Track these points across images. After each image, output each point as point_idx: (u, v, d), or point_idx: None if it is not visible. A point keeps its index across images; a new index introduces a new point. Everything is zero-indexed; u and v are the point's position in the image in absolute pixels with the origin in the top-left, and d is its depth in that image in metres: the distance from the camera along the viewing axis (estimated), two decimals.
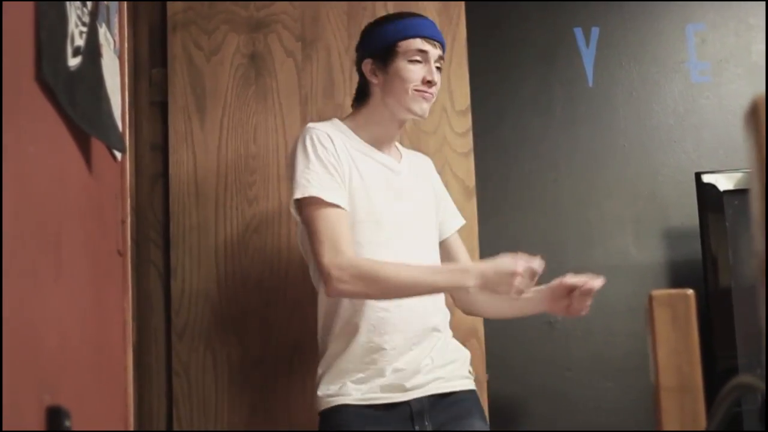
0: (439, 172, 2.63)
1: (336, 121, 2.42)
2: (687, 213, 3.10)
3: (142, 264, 2.76)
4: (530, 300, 2.40)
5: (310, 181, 2.25)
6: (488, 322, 2.79)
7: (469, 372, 2.41)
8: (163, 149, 2.81)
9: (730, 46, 3.31)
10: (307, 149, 2.28)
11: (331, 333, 2.31)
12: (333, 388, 2.27)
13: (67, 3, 1.55)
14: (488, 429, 2.40)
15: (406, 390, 2.28)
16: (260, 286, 2.74)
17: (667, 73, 3.29)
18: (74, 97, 1.56)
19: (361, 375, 2.27)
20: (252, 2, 2.86)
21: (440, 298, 2.40)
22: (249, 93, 2.82)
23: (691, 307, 1.24)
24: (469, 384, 2.40)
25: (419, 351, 2.31)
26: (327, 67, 2.85)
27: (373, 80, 2.37)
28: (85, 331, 1.71)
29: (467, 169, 2.83)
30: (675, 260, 3.16)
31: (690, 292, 1.25)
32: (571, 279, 2.34)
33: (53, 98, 1.47)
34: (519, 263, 2.17)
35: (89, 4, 1.72)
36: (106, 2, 1.95)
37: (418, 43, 2.34)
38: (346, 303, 2.28)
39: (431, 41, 2.35)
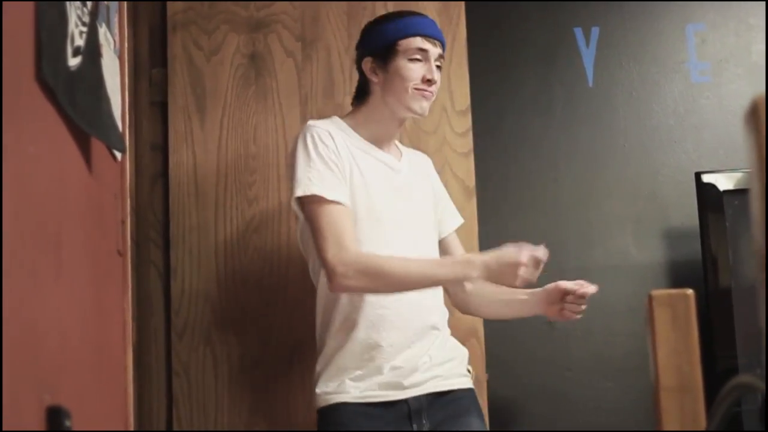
0: (439, 172, 2.63)
1: (336, 119, 2.42)
2: (687, 213, 3.10)
3: (142, 264, 2.76)
4: (525, 302, 2.42)
5: (312, 179, 2.25)
6: (488, 322, 2.79)
7: (468, 371, 2.41)
8: (163, 149, 2.81)
9: (730, 46, 3.31)
10: (308, 146, 2.28)
11: (329, 330, 2.30)
12: (331, 386, 2.27)
13: (67, 3, 1.55)
14: (486, 427, 2.41)
15: (404, 388, 2.28)
16: (260, 286, 2.74)
17: (667, 73, 3.29)
18: (74, 97, 1.56)
19: (359, 372, 2.27)
20: (252, 2, 2.86)
21: (439, 296, 2.40)
22: (249, 93, 2.82)
23: (691, 307, 1.24)
24: (467, 382, 2.40)
25: (417, 349, 2.31)
26: (327, 67, 2.85)
27: (373, 79, 2.38)
28: (85, 331, 1.71)
29: (467, 169, 2.83)
30: (675, 260, 3.16)
31: (690, 292, 1.25)
32: (565, 284, 2.34)
33: (53, 98, 1.47)
34: (522, 253, 2.16)
35: (89, 3, 1.72)
36: (106, 2, 1.95)
37: (418, 42, 2.34)
38: (344, 300, 2.29)
39: (431, 40, 2.36)
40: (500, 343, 3.00)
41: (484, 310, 2.53)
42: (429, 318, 2.35)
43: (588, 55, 3.28)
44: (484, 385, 2.74)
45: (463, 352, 2.42)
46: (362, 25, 2.51)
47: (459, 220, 2.58)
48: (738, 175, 2.94)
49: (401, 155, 2.47)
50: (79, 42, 1.62)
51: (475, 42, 3.00)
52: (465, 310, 2.55)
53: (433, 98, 2.38)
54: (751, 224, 0.94)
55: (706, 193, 2.95)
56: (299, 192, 2.25)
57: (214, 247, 2.75)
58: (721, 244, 2.92)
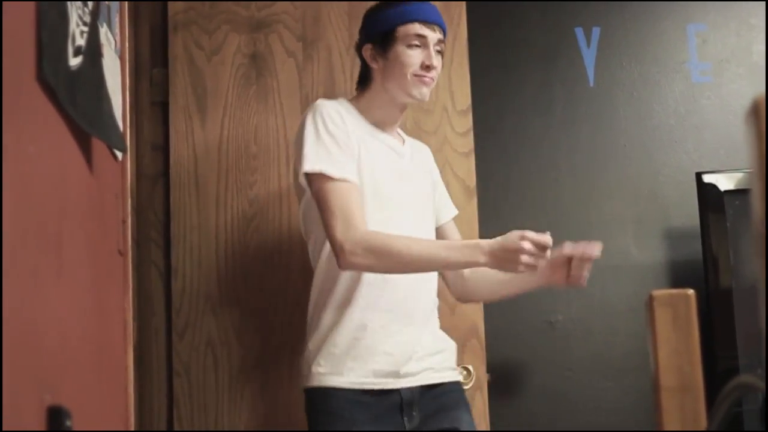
0: (440, 172, 2.64)
1: (343, 101, 2.43)
2: (688, 213, 3.10)
3: (142, 264, 2.76)
4: (521, 278, 2.40)
5: (320, 155, 2.25)
6: (488, 322, 2.79)
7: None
8: (163, 149, 2.81)
9: (731, 46, 3.31)
10: (317, 123, 2.28)
11: (325, 308, 2.30)
12: (326, 366, 2.27)
13: (68, 3, 1.55)
14: (473, 421, 2.42)
15: (399, 376, 2.28)
16: (260, 286, 2.74)
17: (668, 73, 3.29)
18: (75, 96, 1.56)
19: (353, 353, 2.26)
20: (253, 2, 2.86)
21: (434, 284, 2.41)
22: (250, 93, 2.82)
23: (692, 307, 1.24)
24: (456, 376, 2.42)
25: (409, 335, 2.31)
26: (328, 67, 2.85)
27: (374, 65, 2.39)
28: (86, 330, 1.71)
29: (468, 169, 2.84)
30: (676, 260, 3.16)
31: (691, 292, 1.25)
32: (569, 248, 2.33)
33: (54, 98, 1.47)
34: (525, 240, 2.14)
35: (90, 3, 1.72)
36: (107, 2, 1.95)
37: (417, 28, 2.34)
38: (343, 279, 2.29)
39: (430, 25, 2.35)
40: (500, 343, 3.01)
41: (485, 292, 2.52)
42: (422, 305, 2.36)
43: (589, 55, 3.28)
44: (485, 385, 2.74)
45: (452, 345, 2.43)
46: None
47: (455, 211, 2.60)
48: (739, 175, 2.94)
49: (404, 141, 2.49)
50: (80, 42, 1.62)
51: (476, 42, 3.00)
52: (465, 297, 2.55)
53: (434, 84, 2.38)
54: (751, 224, 0.94)
55: (707, 194, 2.95)
56: (307, 167, 2.25)
57: (214, 247, 2.75)
58: (722, 244, 2.91)
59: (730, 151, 3.21)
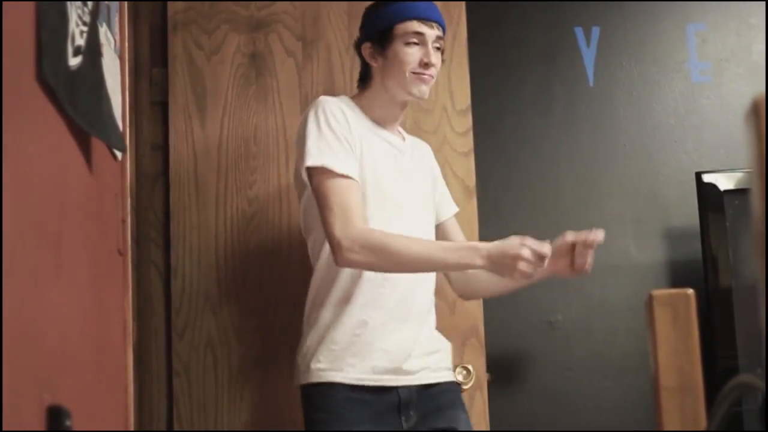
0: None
1: (345, 98, 2.43)
2: (687, 213, 3.09)
3: (142, 263, 2.76)
4: None
5: (322, 150, 2.25)
6: (489, 322, 2.79)
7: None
8: (163, 149, 2.81)
9: (730, 45, 3.31)
10: (319, 119, 2.28)
11: (324, 304, 2.30)
12: (325, 362, 2.27)
13: (68, 3, 1.55)
14: (470, 421, 2.42)
15: (398, 373, 2.28)
16: (260, 286, 2.74)
17: (667, 72, 3.29)
18: (75, 96, 1.56)
19: (353, 350, 2.26)
20: (253, 2, 2.86)
21: (432, 284, 2.41)
22: (249, 93, 2.82)
23: (692, 306, 1.24)
24: (452, 376, 2.43)
25: (407, 332, 2.32)
26: (328, 66, 2.85)
27: (373, 63, 2.40)
28: (86, 330, 1.71)
29: (467, 169, 2.84)
30: (675, 260, 3.16)
31: (690, 291, 1.25)
32: (571, 236, 2.33)
33: (54, 98, 1.47)
34: (524, 247, 2.15)
35: (90, 3, 1.72)
36: (106, 2, 1.95)
37: (415, 25, 2.34)
38: (344, 276, 2.28)
39: (428, 22, 2.35)
40: (500, 343, 3.01)
41: (489, 286, 2.51)
42: (420, 303, 2.36)
43: (588, 55, 3.28)
44: (485, 384, 2.74)
45: (448, 345, 2.44)
46: None
47: (456, 208, 2.60)
48: (738, 174, 2.94)
49: (404, 139, 2.49)
50: (80, 42, 1.62)
51: (475, 41, 3.00)
52: (468, 294, 2.55)
53: (433, 81, 2.38)
54: (751, 224, 0.94)
55: (707, 193, 2.95)
56: (309, 162, 2.24)
57: (214, 247, 2.75)
58: (722, 243, 2.91)
59: (729, 151, 3.21)
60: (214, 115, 2.81)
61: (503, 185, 3.20)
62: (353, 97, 2.44)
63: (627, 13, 3.31)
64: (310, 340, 2.31)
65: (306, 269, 2.46)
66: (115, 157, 2.05)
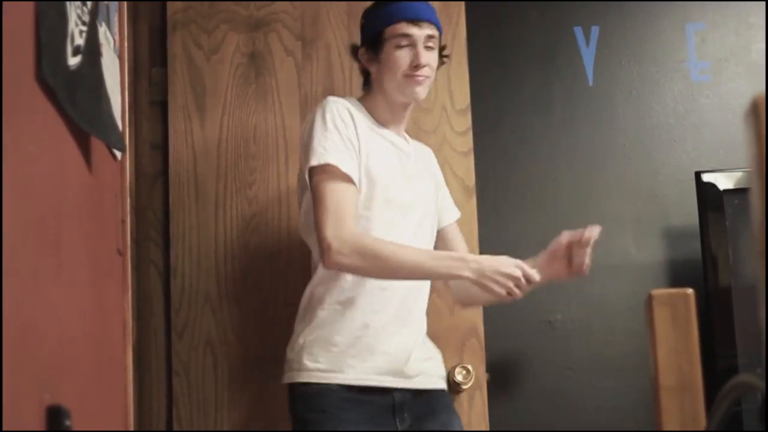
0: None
1: (353, 99, 2.43)
2: (687, 212, 3.09)
3: (142, 263, 2.76)
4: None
5: (327, 149, 2.25)
6: (488, 322, 2.79)
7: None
8: (163, 148, 2.81)
9: (730, 45, 3.31)
10: (326, 119, 2.28)
11: (323, 303, 2.29)
12: (323, 361, 2.26)
13: (67, 2, 1.55)
14: (462, 426, 2.43)
15: (397, 375, 2.29)
16: (260, 286, 2.74)
17: (667, 72, 3.29)
18: (74, 96, 1.56)
19: (353, 351, 2.26)
20: (252, 1, 2.86)
21: (428, 289, 2.42)
22: (249, 92, 2.82)
23: (691, 306, 1.24)
24: (445, 385, 2.44)
25: (408, 337, 2.32)
26: (327, 66, 2.85)
27: (370, 68, 2.40)
28: (85, 330, 1.71)
29: (467, 169, 2.84)
30: (675, 259, 3.16)
31: (690, 291, 1.25)
32: (567, 236, 2.32)
33: (53, 97, 1.47)
34: (518, 270, 2.17)
35: (89, 3, 1.72)
36: (106, 2, 1.95)
37: (403, 27, 2.33)
38: (347, 278, 2.28)
39: (416, 22, 2.34)
40: (500, 343, 3.00)
41: (485, 295, 2.51)
42: (419, 308, 2.37)
43: (588, 54, 3.28)
44: (484, 384, 2.74)
45: (439, 354, 2.45)
46: None
47: (457, 213, 2.59)
48: (738, 174, 2.94)
49: (409, 142, 2.49)
50: (79, 41, 1.62)
51: (475, 41, 3.00)
52: (466, 301, 2.55)
53: (429, 80, 2.36)
54: (751, 223, 0.94)
55: (706, 193, 2.94)
56: (314, 161, 2.24)
57: (214, 247, 2.75)
58: (721, 243, 2.91)
59: (729, 150, 3.21)
60: (213, 115, 2.81)
61: (503, 184, 3.20)
62: (360, 98, 2.45)
63: (626, 12, 3.30)
64: (304, 337, 2.30)
65: (305, 269, 2.46)
66: (114, 156, 2.05)
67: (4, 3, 1.25)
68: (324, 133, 2.26)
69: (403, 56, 2.33)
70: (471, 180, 2.82)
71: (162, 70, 2.83)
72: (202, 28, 2.84)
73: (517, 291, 2.18)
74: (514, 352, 3.10)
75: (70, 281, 1.58)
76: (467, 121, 2.86)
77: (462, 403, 2.70)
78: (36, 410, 1.32)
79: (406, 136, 2.51)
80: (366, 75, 2.44)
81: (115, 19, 2.09)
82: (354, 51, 2.45)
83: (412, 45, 2.33)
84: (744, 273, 2.88)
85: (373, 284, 2.28)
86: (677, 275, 3.14)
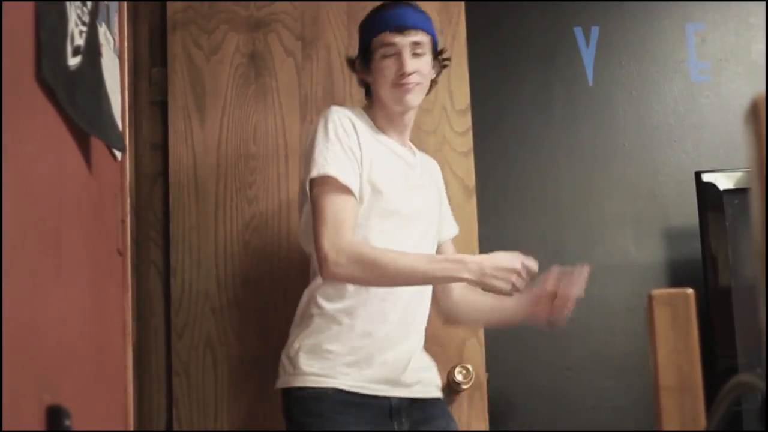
0: (439, 171, 2.64)
1: (358, 108, 2.43)
2: (687, 212, 3.09)
3: (141, 263, 2.76)
4: (513, 306, 2.40)
5: (327, 160, 2.25)
6: None
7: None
8: (162, 148, 2.81)
9: (730, 45, 3.31)
10: (328, 128, 2.28)
11: (323, 312, 2.28)
12: (318, 367, 2.25)
13: (67, 3, 1.55)
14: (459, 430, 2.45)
15: (394, 384, 2.28)
16: (260, 286, 2.74)
17: (667, 72, 3.29)
18: (74, 96, 1.56)
19: (350, 358, 2.25)
20: (252, 2, 2.86)
21: (428, 298, 2.41)
22: (249, 92, 2.82)
23: (691, 306, 1.24)
24: (440, 393, 2.44)
25: (408, 346, 2.32)
26: (327, 66, 2.85)
27: (366, 79, 2.41)
28: (85, 330, 1.71)
29: (467, 169, 2.83)
30: (675, 260, 3.16)
31: (690, 291, 1.25)
32: (552, 282, 2.31)
33: (53, 98, 1.47)
34: (518, 261, 2.17)
35: (89, 3, 1.72)
36: (106, 2, 1.95)
37: (387, 37, 2.33)
38: (349, 287, 2.27)
39: (401, 30, 2.32)
40: (500, 343, 3.00)
41: (471, 318, 2.54)
42: (419, 318, 2.37)
43: (588, 55, 3.28)
44: (484, 385, 2.74)
45: (435, 366, 2.45)
46: None
47: (456, 230, 2.59)
48: (738, 174, 2.94)
49: (415, 154, 2.48)
50: (79, 41, 1.62)
51: (475, 41, 3.00)
52: (452, 319, 2.55)
53: (420, 86, 2.35)
54: (751, 224, 0.94)
55: (706, 193, 2.94)
56: (314, 173, 2.24)
57: (214, 247, 2.75)
58: (721, 243, 2.91)
59: (729, 151, 3.21)
60: (213, 115, 2.80)
61: (503, 185, 3.20)
62: (364, 107, 2.44)
63: (626, 12, 3.31)
64: (300, 342, 2.29)
65: (305, 269, 2.46)
66: (114, 156, 2.05)
67: (4, 3, 1.25)
68: (326, 143, 2.26)
69: (389, 66, 2.33)
70: (471, 180, 2.82)
71: (162, 70, 2.83)
72: (202, 28, 2.84)
73: (520, 284, 2.17)
74: (514, 352, 3.10)
75: (70, 281, 1.58)
76: (467, 121, 2.86)
77: (462, 403, 2.70)
78: (36, 410, 1.32)
79: (413, 147, 2.51)
80: (366, 85, 2.44)
81: (115, 19, 2.09)
82: (350, 63, 2.46)
83: (398, 54, 2.32)
84: (744, 273, 2.88)
85: (374, 294, 2.27)
86: (677, 275, 3.14)
